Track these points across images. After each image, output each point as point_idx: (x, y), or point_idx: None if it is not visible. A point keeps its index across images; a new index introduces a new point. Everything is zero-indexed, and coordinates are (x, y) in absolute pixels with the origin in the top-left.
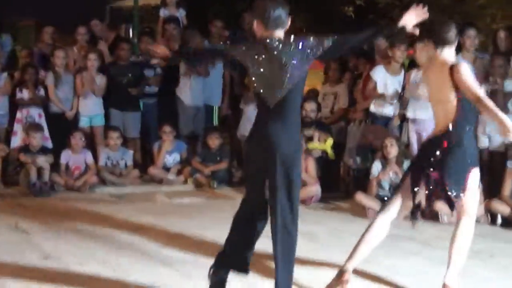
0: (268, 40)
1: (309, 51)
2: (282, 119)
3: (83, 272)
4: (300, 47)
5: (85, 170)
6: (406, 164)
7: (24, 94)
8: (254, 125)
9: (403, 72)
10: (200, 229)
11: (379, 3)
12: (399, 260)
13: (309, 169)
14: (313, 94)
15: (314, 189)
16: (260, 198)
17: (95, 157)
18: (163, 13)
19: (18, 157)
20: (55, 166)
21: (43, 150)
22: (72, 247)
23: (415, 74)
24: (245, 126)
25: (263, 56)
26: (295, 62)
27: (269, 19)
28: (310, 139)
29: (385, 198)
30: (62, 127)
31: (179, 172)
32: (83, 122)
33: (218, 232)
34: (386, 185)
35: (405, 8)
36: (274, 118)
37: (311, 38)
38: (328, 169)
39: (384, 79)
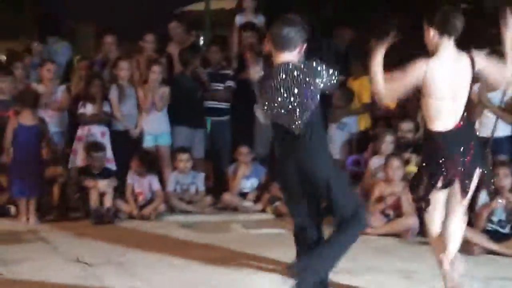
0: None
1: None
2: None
3: None
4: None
5: (151, 196)
6: None
7: (88, 109)
8: None
9: None
10: (281, 263)
11: (487, 8)
12: None
13: (408, 197)
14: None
15: (411, 221)
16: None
17: (162, 180)
18: (239, 19)
19: (78, 180)
20: (118, 191)
21: (106, 173)
22: (138, 281)
23: None
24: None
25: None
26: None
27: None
28: (407, 162)
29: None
30: (126, 147)
31: (257, 199)
32: (148, 141)
33: None
34: (497, 217)
35: None
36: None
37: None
38: None
39: None
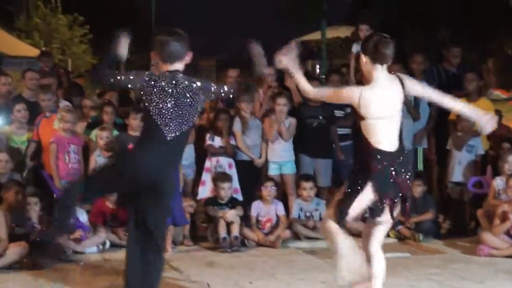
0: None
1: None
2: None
3: None
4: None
5: (276, 222)
6: None
7: (216, 141)
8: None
9: None
10: (407, 287)
11: None
12: None
13: None
14: None
15: None
16: None
17: (286, 207)
18: (355, 48)
19: (206, 210)
20: (244, 219)
21: (232, 202)
22: None
23: None
24: (454, 171)
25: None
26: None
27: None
28: None
29: None
30: (251, 176)
31: None
32: (273, 170)
33: None
34: None
35: None
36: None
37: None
38: None
39: None
